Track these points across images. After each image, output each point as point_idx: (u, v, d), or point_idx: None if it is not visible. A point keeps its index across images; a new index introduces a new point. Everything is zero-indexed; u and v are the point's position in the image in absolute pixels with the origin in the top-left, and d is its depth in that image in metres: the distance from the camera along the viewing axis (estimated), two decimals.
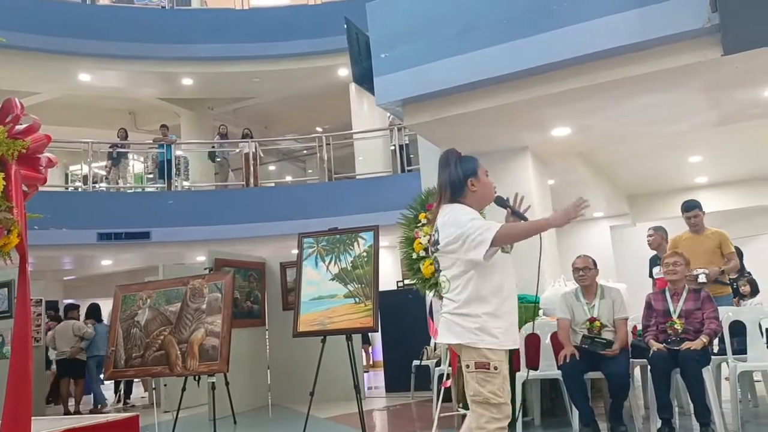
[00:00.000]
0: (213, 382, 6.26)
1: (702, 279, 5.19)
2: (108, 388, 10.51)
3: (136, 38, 12.75)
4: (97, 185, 12.34)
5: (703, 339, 4.26)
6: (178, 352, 6.25)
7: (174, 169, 12.05)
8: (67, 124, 14.88)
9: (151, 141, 13.11)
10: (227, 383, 6.34)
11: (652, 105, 5.83)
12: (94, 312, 9.57)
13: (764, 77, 5.36)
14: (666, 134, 7.36)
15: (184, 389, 6.35)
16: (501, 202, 2.79)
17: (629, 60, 4.88)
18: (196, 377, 6.33)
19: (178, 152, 12.53)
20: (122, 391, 9.68)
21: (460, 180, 2.69)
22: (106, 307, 9.98)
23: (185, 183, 12.71)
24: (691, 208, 5.58)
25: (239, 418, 6.64)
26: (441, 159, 2.80)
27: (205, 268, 7.20)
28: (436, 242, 2.70)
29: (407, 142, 11.79)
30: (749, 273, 7.03)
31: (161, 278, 7.56)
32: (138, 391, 10.84)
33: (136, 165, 14.37)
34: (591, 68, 5.02)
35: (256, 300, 7.91)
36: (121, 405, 9.41)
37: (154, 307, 6.57)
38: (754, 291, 6.85)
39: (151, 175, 13.25)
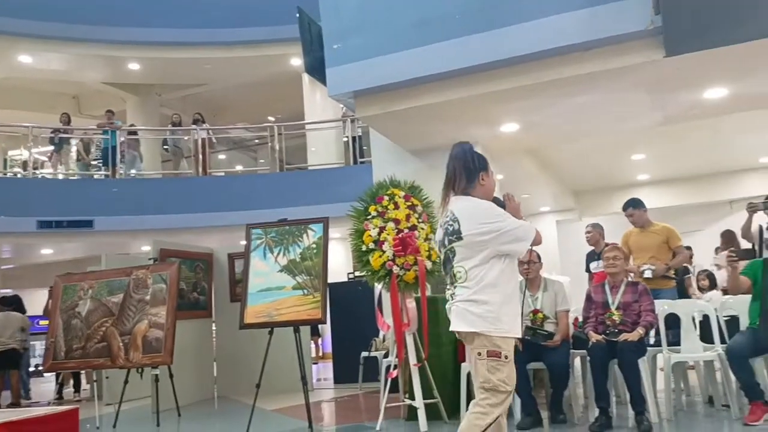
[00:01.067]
0: (156, 375, 6.17)
1: (647, 275, 5.36)
2: (50, 380, 10.19)
3: (81, 20, 12.30)
4: (37, 171, 11.91)
5: (640, 331, 4.42)
6: (121, 344, 6.13)
7: (119, 156, 11.70)
8: (6, 108, 14.30)
9: (95, 126, 12.72)
10: (171, 375, 6.25)
11: (597, 104, 5.99)
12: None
13: (704, 79, 5.57)
14: (611, 132, 7.56)
15: (126, 382, 6.23)
16: (498, 203, 2.86)
17: (576, 59, 5.00)
18: (139, 369, 6.22)
19: (123, 139, 12.18)
20: (63, 385, 9.40)
21: (475, 171, 2.79)
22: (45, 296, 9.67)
23: (131, 171, 12.37)
24: (625, 208, 5.83)
25: (184, 411, 6.55)
26: (455, 149, 2.86)
27: (150, 258, 7.05)
28: (456, 232, 2.70)
29: (360, 134, 11.76)
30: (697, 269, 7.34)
31: (104, 268, 7.37)
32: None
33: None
34: (539, 66, 5.12)
35: (203, 291, 7.79)
36: (62, 398, 9.12)
37: (95, 298, 6.42)
38: (713, 285, 7.14)
39: (95, 162, 12.85)
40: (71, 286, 6.59)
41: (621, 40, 4.83)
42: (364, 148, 11.54)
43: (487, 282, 2.63)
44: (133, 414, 6.81)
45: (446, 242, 2.76)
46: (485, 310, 2.61)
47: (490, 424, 2.59)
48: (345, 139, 12.30)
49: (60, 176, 12.21)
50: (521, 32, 5.00)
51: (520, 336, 2.76)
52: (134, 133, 12.66)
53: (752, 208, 5.38)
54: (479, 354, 2.62)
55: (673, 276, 5.67)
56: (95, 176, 12.36)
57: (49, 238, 11.11)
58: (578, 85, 5.35)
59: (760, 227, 5.54)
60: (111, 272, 6.70)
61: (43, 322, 11.00)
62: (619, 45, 4.86)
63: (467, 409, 4.91)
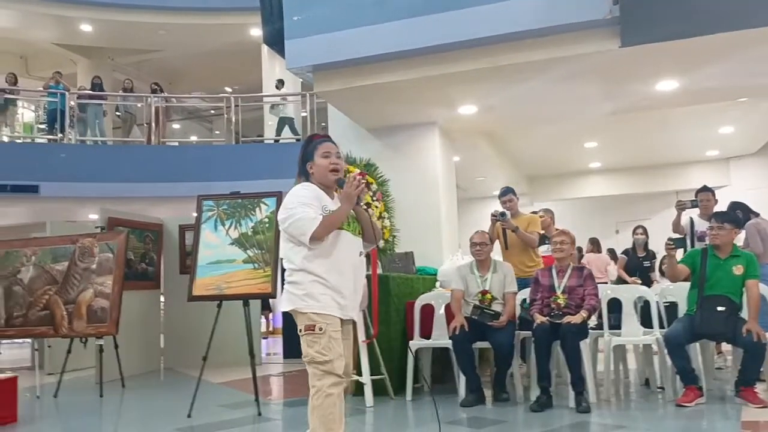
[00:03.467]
0: (101, 345, 6.06)
1: (507, 216, 5.53)
2: None
3: None
4: None
5: (583, 314, 4.54)
6: (64, 313, 5.99)
7: (68, 120, 11.30)
8: None
9: (41, 88, 12.24)
10: (116, 346, 6.14)
11: (552, 90, 6.07)
12: None
13: (657, 71, 5.70)
14: (565, 119, 7.69)
15: (69, 351, 6.10)
16: (341, 184, 2.83)
17: (533, 45, 5.05)
18: (83, 339, 6.10)
19: (73, 102, 11.76)
20: None
21: (303, 163, 2.87)
22: None
23: (96, 124, 11.97)
24: (504, 194, 5.87)
25: (128, 382, 6.46)
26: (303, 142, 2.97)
27: (97, 227, 6.87)
28: None
29: (317, 108, 11.65)
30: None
31: (49, 235, 7.16)
32: (21, 352, 10.28)
33: (25, 113, 13.37)
34: (497, 50, 5.16)
35: (152, 262, 7.65)
36: None
37: (39, 265, 6.24)
38: None
39: (43, 126, 12.38)
40: (12, 252, 6.38)
41: (578, 28, 4.90)
42: (323, 124, 11.43)
43: (296, 265, 2.71)
44: (76, 384, 6.69)
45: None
46: (298, 289, 2.70)
47: (328, 398, 2.61)
48: (303, 114, 12.17)
49: (5, 138, 11.73)
50: (480, 15, 5.02)
51: (336, 315, 2.68)
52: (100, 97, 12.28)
53: (681, 206, 5.68)
54: (300, 331, 2.68)
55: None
56: (41, 140, 11.93)
57: None
58: (534, 70, 5.42)
59: (691, 219, 5.82)
60: (56, 239, 6.51)
61: None
62: (576, 33, 4.93)
63: (412, 386, 5.00)
